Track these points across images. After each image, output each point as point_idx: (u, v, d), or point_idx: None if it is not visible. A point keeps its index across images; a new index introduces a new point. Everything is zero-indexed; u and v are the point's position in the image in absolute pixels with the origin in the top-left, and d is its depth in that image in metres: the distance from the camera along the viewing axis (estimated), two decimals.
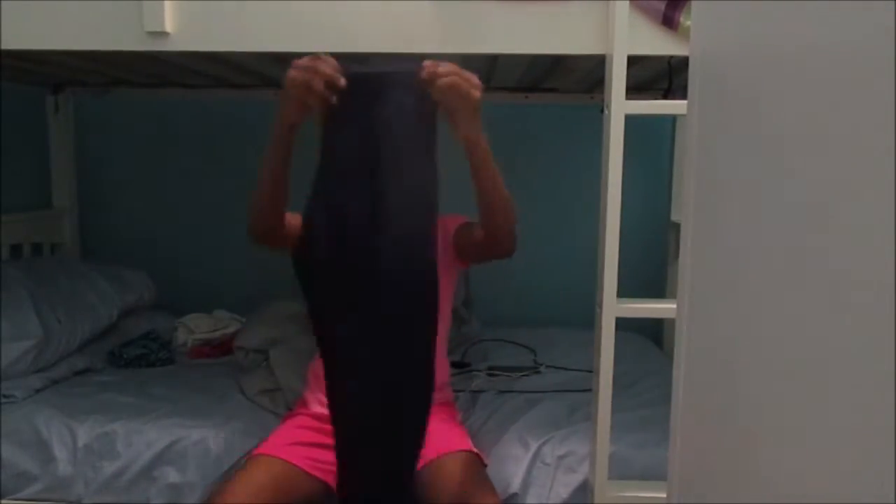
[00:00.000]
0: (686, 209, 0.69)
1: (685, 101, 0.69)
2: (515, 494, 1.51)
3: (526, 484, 1.52)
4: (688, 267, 0.68)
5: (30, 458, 1.60)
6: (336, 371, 1.21)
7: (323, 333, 1.22)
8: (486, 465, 1.45)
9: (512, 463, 1.54)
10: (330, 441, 1.27)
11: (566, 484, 1.52)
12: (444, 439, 1.41)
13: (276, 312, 2.06)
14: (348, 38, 1.35)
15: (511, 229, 1.37)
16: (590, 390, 1.45)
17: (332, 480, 1.35)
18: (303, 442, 1.43)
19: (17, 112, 2.42)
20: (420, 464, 1.28)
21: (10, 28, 1.36)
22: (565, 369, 2.06)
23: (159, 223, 2.72)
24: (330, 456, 1.29)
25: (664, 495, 0.72)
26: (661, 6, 1.29)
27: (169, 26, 1.35)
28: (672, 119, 2.45)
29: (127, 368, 2.08)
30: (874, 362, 0.33)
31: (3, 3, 1.35)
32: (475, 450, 1.44)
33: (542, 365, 2.11)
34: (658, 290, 2.56)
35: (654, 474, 1.45)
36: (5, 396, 1.72)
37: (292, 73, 1.18)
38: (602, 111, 1.35)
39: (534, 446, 1.55)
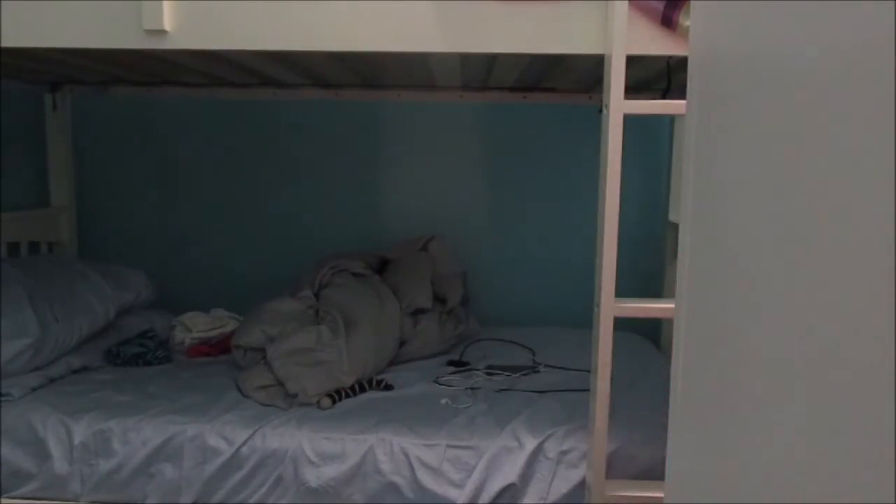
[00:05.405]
0: (684, 209, 0.69)
1: (684, 101, 0.69)
2: (514, 485, 1.52)
3: (526, 477, 1.54)
4: (686, 267, 0.68)
5: (26, 456, 1.60)
6: None
7: None
8: None
9: (513, 455, 1.55)
10: None
11: (566, 479, 1.53)
12: None
13: (274, 311, 2.06)
14: (348, 38, 1.35)
15: None
16: (589, 390, 1.45)
17: None
18: None
19: (15, 110, 2.42)
20: None
21: (8, 26, 1.36)
22: (564, 369, 2.06)
23: (157, 222, 2.72)
24: None
25: (661, 495, 0.72)
26: (660, 6, 1.29)
27: (167, 24, 1.35)
28: (670, 119, 2.46)
29: (124, 367, 2.08)
30: (874, 361, 0.33)
31: (2, 1, 1.35)
32: None
33: (541, 365, 2.11)
34: (656, 289, 2.56)
35: (658, 472, 1.45)
36: (2, 395, 1.72)
37: None
38: (600, 111, 1.36)
39: (536, 440, 1.56)
